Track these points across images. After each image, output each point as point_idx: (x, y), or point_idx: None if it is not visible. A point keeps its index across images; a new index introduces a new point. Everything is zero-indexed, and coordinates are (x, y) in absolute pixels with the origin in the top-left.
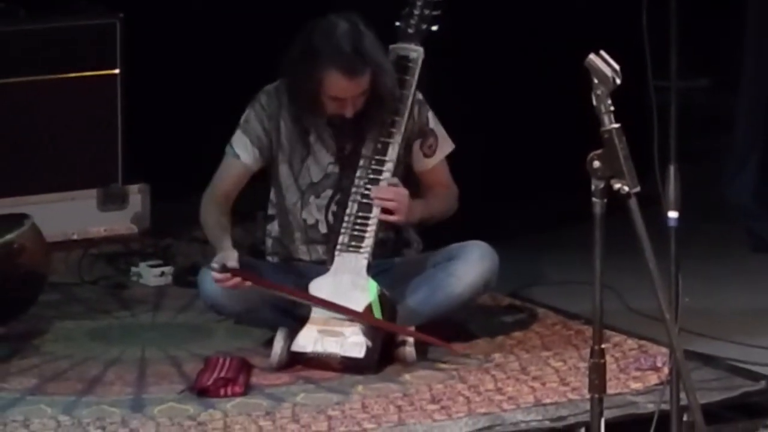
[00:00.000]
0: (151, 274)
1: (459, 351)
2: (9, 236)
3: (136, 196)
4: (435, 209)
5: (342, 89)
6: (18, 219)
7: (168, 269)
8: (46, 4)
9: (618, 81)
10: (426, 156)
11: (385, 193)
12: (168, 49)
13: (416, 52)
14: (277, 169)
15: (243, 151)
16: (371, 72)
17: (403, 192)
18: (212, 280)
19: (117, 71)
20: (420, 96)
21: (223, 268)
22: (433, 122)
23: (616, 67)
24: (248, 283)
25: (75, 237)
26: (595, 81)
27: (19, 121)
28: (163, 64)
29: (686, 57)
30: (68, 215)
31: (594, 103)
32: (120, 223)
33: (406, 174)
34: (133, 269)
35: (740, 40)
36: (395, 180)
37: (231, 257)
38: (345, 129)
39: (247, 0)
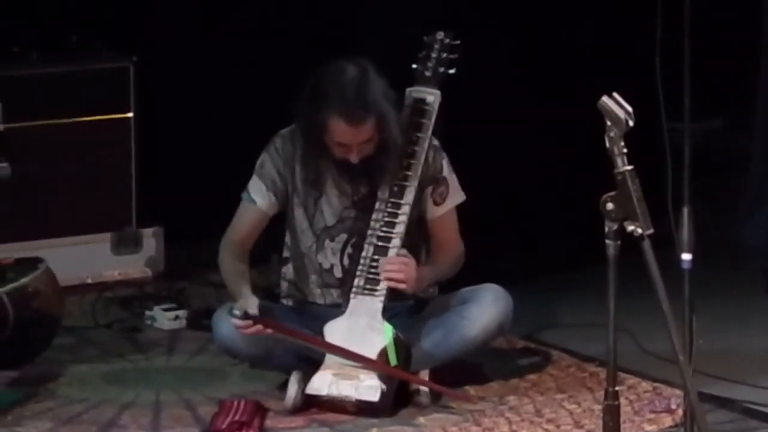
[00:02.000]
0: (165, 318)
1: (474, 400)
2: (23, 280)
3: (150, 239)
4: (443, 273)
5: (345, 135)
6: (32, 263)
7: (182, 313)
8: (60, 48)
9: (631, 123)
10: (435, 204)
11: (392, 266)
12: (181, 93)
13: (433, 95)
14: (293, 213)
15: (259, 197)
16: (375, 120)
17: (411, 263)
18: (231, 326)
19: (131, 115)
20: (436, 142)
21: (245, 316)
22: (447, 170)
23: (629, 109)
24: (269, 331)
25: (89, 280)
26: (608, 123)
27: (33, 165)
28: (176, 107)
29: (700, 98)
30: (82, 259)
31: (607, 145)
32: (134, 266)
33: (419, 219)
34: (147, 313)
35: (754, 82)
36: (404, 251)
37: (252, 304)
38: (356, 174)
39: (262, 44)
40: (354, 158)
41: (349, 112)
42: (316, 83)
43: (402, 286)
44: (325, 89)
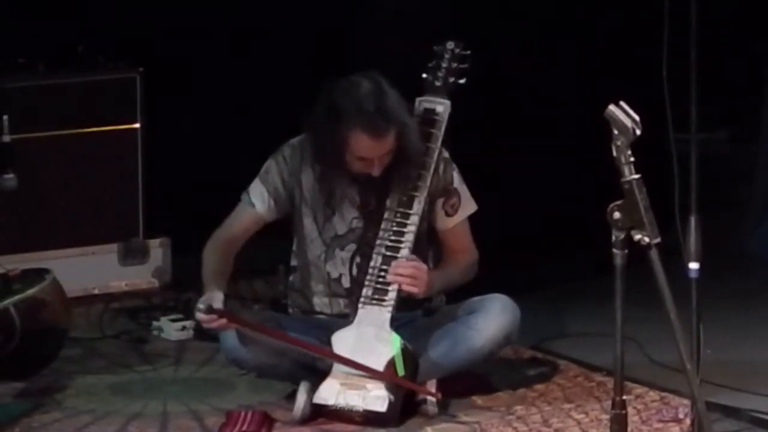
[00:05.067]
0: (173, 329)
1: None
2: (30, 291)
3: (157, 250)
4: (454, 279)
5: (368, 149)
6: (39, 274)
7: (189, 323)
8: (67, 59)
9: (638, 132)
10: (448, 215)
11: (403, 270)
12: (188, 103)
13: (443, 105)
14: (301, 222)
15: (258, 200)
16: (396, 131)
17: (422, 267)
18: (196, 319)
19: (137, 125)
20: (446, 154)
21: (209, 309)
22: (457, 181)
23: (636, 117)
24: (234, 325)
25: (96, 291)
26: (615, 132)
27: (40, 176)
28: (183, 118)
29: (706, 109)
30: (89, 270)
31: (614, 153)
32: (141, 277)
33: (429, 231)
34: (155, 323)
35: (760, 92)
36: (413, 257)
37: (217, 299)
38: (370, 186)
39: (268, 54)
40: (376, 171)
41: (371, 126)
42: (329, 100)
43: (414, 289)
44: (340, 104)
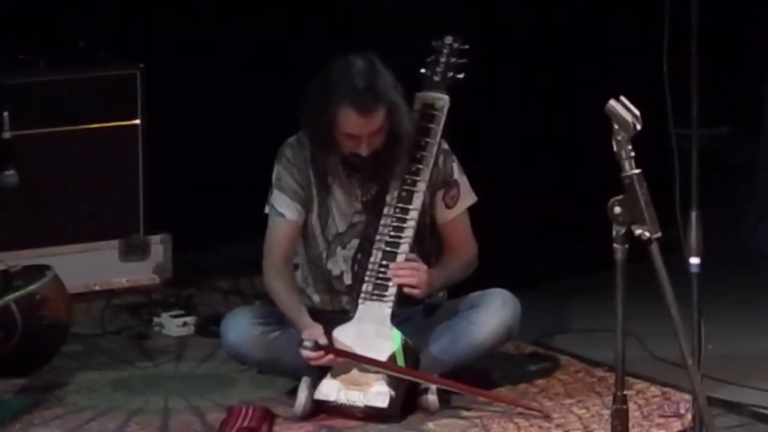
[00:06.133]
0: (174, 325)
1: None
2: (31, 287)
3: (158, 246)
4: (454, 276)
5: (355, 126)
6: (40, 270)
7: (190, 319)
8: (67, 55)
9: (638, 126)
10: (447, 207)
11: (404, 270)
12: (189, 100)
13: (442, 99)
14: (307, 218)
15: (286, 209)
16: (386, 110)
17: (422, 267)
18: (303, 357)
19: (138, 122)
20: (445, 146)
21: (316, 346)
22: (457, 173)
23: (637, 112)
24: (340, 360)
25: (97, 288)
26: (616, 127)
27: (40, 172)
28: (183, 114)
29: (707, 104)
30: (90, 266)
31: (614, 148)
32: (142, 273)
33: (431, 225)
34: (156, 320)
35: (761, 88)
36: (413, 255)
37: (320, 334)
38: (365, 170)
39: (269, 50)
40: (364, 150)
41: (359, 102)
42: (323, 77)
43: (416, 291)
44: (333, 81)
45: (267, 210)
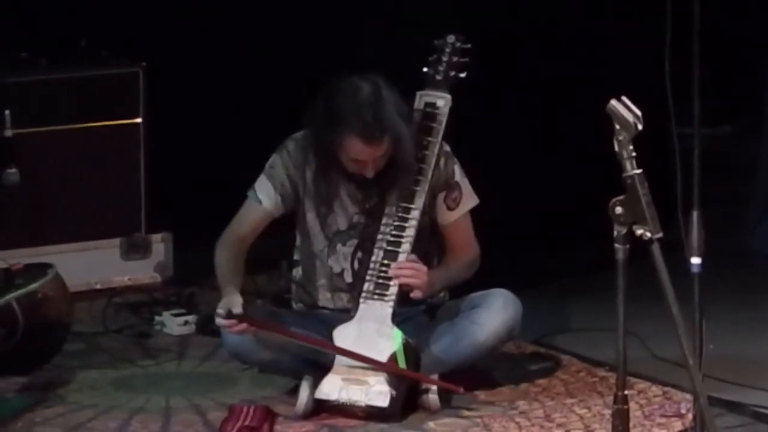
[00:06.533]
0: (175, 323)
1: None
2: (32, 286)
3: (159, 245)
4: (455, 276)
5: (362, 153)
6: (41, 269)
7: (191, 318)
8: (69, 54)
9: (640, 126)
10: (449, 209)
11: (405, 270)
12: (190, 98)
13: (444, 99)
14: (304, 216)
15: (265, 197)
16: (391, 138)
17: (422, 269)
18: (217, 325)
19: (139, 120)
20: (447, 148)
21: (229, 315)
22: (459, 175)
23: (638, 112)
24: (253, 329)
25: (98, 286)
26: (617, 127)
27: (42, 171)
28: (185, 112)
29: (709, 104)
30: (91, 265)
31: (616, 148)
32: (143, 272)
33: (431, 226)
34: (157, 318)
35: (762, 88)
36: (413, 257)
37: (236, 303)
38: (367, 185)
39: (271, 49)
40: (369, 173)
41: (366, 133)
42: (329, 101)
43: (417, 293)
44: (340, 108)
45: (249, 192)
